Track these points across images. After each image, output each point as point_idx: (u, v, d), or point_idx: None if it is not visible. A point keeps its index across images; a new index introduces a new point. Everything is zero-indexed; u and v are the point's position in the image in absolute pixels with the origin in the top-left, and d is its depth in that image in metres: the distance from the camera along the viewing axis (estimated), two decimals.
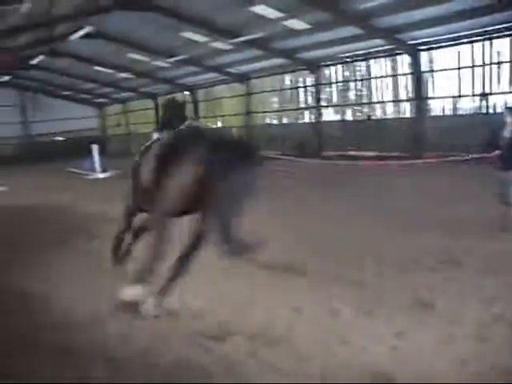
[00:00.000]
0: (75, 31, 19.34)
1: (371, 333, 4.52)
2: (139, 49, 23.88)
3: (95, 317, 5.17)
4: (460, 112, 18.40)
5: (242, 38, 19.87)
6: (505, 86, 16.92)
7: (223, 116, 30.46)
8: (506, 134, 7.66)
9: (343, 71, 22.68)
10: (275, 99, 26.78)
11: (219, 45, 21.95)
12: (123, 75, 29.50)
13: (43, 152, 34.60)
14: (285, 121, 26.28)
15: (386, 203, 10.53)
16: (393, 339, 4.37)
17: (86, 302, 5.49)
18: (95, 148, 20.35)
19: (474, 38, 17.07)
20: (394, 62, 20.37)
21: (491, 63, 17.04)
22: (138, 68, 28.16)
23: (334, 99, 23.66)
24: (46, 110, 36.96)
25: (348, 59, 21.80)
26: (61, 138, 37.44)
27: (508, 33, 16.18)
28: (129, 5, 17.33)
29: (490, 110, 17.29)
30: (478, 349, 4.16)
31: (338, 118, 23.65)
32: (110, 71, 29.06)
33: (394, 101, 20.87)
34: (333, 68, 23.05)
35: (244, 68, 25.90)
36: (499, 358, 4.03)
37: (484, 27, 16.32)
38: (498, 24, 15.90)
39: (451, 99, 18.58)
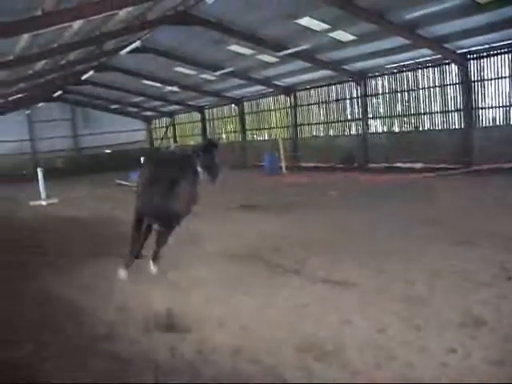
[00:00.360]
0: (125, 46, 19.77)
1: (420, 348, 4.39)
2: (186, 62, 24.22)
3: (142, 327, 5.26)
4: None
5: (288, 51, 19.92)
6: None
7: (270, 128, 30.54)
8: None
9: (390, 82, 22.44)
10: (321, 111, 26.64)
11: (265, 58, 22.09)
12: (170, 88, 29.98)
13: (92, 164, 35.45)
14: (331, 133, 26.09)
15: (441, 216, 10.31)
16: (443, 356, 4.24)
17: (133, 310, 5.55)
18: (143, 161, 20.67)
19: None
20: (442, 71, 19.98)
21: None
22: (185, 81, 28.62)
23: (381, 110, 23.39)
24: (95, 123, 38.01)
25: (395, 70, 21.57)
26: (108, 151, 38.25)
27: None
28: (177, 19, 17.66)
29: None
30: None
31: (384, 129, 23.36)
32: (157, 85, 29.61)
33: (442, 111, 20.44)
34: (379, 79, 22.84)
35: (290, 80, 25.97)
36: None
37: None
38: None
39: (503, 109, 18.08)
